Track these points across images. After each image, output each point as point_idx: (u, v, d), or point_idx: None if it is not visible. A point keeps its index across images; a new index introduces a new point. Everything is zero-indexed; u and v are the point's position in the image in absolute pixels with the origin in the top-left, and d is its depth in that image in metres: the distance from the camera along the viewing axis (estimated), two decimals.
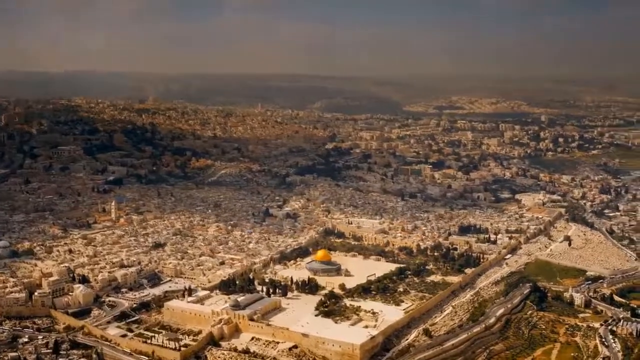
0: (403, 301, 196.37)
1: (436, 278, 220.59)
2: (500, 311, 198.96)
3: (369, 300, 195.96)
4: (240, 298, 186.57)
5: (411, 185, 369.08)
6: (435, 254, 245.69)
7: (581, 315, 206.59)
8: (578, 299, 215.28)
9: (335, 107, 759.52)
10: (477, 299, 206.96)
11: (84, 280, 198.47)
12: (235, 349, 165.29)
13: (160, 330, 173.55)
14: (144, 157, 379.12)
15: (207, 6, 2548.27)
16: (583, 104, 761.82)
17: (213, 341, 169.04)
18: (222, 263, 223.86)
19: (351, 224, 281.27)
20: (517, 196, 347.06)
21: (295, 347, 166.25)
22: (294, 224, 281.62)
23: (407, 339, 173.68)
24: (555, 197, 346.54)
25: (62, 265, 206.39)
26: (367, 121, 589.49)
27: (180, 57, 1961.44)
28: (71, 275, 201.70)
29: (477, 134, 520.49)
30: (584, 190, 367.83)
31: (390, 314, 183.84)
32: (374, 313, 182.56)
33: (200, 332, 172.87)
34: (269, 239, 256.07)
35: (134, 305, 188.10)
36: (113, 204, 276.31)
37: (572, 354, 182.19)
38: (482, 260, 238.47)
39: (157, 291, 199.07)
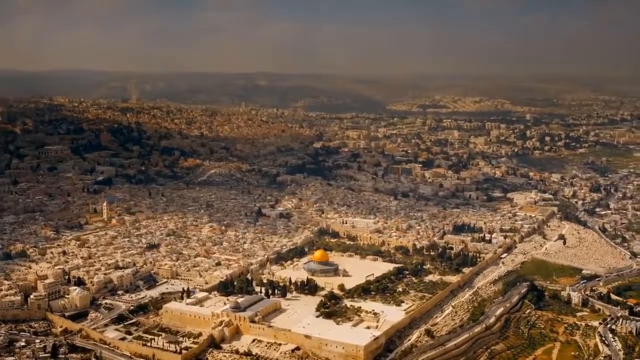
0: (403, 301, 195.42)
1: (434, 278, 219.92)
2: (500, 310, 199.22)
3: (369, 300, 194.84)
4: (240, 299, 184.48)
5: (403, 184, 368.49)
6: (432, 253, 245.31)
7: (579, 314, 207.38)
8: (575, 297, 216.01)
9: (318, 106, 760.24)
10: (476, 299, 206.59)
11: (80, 282, 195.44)
12: (237, 352, 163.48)
13: (160, 333, 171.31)
14: (132, 157, 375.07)
15: (186, 4, 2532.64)
16: (565, 102, 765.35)
17: (214, 343, 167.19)
18: (218, 264, 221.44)
19: (346, 223, 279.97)
20: (509, 195, 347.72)
21: (298, 349, 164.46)
22: (288, 223, 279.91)
23: (409, 340, 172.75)
24: (546, 195, 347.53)
25: (57, 268, 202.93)
26: (353, 120, 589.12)
27: (161, 56, 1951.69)
28: (66, 277, 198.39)
29: (463, 132, 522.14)
30: (575, 188, 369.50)
31: (392, 314, 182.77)
32: (375, 314, 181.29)
33: (200, 334, 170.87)
34: (263, 239, 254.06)
35: (131, 307, 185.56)
36: (105, 204, 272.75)
37: (573, 353, 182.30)
38: (478, 259, 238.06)
39: (154, 293, 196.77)
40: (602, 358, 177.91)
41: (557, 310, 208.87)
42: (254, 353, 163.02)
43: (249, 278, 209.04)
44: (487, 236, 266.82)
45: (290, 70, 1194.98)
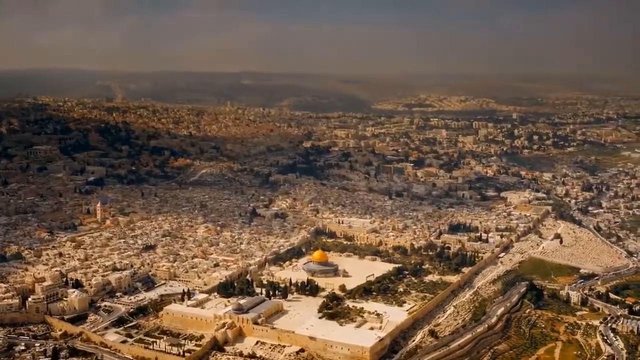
0: (405, 302, 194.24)
1: (434, 277, 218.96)
2: (500, 310, 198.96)
3: (371, 301, 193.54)
4: (242, 301, 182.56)
5: (396, 183, 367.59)
6: (430, 253, 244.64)
7: (578, 313, 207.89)
8: (574, 296, 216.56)
9: (303, 105, 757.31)
10: (477, 298, 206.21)
11: (78, 284, 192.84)
12: (240, 354, 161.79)
13: (161, 336, 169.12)
14: (121, 157, 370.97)
15: (169, 3, 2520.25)
16: (550, 101, 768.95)
17: (217, 346, 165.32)
18: (217, 265, 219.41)
19: (342, 223, 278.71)
20: (502, 194, 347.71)
21: (302, 350, 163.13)
22: (283, 224, 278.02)
23: (413, 340, 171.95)
24: (540, 194, 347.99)
25: (54, 270, 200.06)
26: (340, 119, 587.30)
27: (144, 55, 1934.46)
28: (64, 279, 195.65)
29: (451, 131, 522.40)
30: (567, 187, 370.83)
31: (394, 315, 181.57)
32: (378, 314, 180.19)
33: (202, 336, 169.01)
34: (260, 240, 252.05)
35: (131, 310, 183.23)
36: (98, 205, 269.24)
37: (575, 353, 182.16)
38: (477, 259, 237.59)
39: (153, 295, 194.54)
40: (605, 357, 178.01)
41: (556, 310, 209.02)
42: (258, 355, 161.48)
43: (249, 279, 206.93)
44: (484, 236, 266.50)
45: (274, 70, 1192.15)
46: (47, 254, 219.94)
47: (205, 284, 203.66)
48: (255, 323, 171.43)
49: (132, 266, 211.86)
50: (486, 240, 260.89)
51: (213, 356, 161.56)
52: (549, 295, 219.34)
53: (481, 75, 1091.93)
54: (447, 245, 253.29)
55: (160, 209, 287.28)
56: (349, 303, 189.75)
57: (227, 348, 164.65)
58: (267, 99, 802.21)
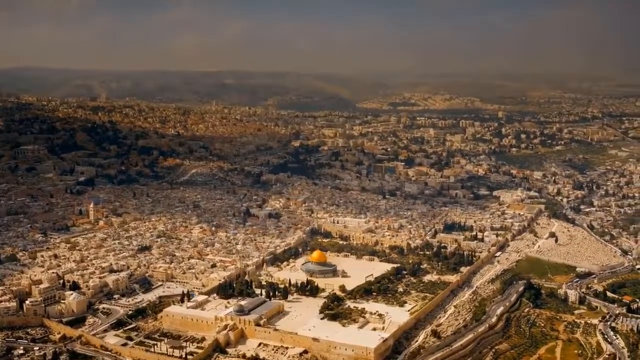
0: (406, 302, 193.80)
1: (432, 277, 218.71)
2: (500, 310, 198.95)
3: (372, 301, 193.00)
4: (243, 302, 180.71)
5: (388, 183, 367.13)
6: (427, 252, 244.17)
7: (577, 311, 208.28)
8: (572, 295, 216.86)
9: (288, 104, 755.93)
10: (477, 298, 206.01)
11: (75, 286, 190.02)
12: (243, 356, 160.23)
13: (162, 338, 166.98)
14: (110, 157, 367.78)
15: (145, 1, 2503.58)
16: (534, 100, 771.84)
17: (219, 348, 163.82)
18: (214, 266, 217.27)
19: (337, 223, 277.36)
20: (495, 193, 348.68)
21: (306, 352, 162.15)
22: (278, 224, 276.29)
23: (416, 341, 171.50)
24: (532, 193, 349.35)
25: (50, 272, 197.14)
26: (327, 118, 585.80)
27: (124, 54, 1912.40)
28: (61, 281, 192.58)
29: (438, 130, 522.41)
30: (558, 186, 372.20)
31: (396, 315, 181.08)
32: (380, 315, 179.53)
33: (203, 338, 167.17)
34: (255, 240, 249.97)
35: (130, 312, 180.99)
36: (91, 206, 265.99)
37: (576, 351, 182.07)
38: (474, 258, 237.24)
39: (151, 296, 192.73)
40: (607, 356, 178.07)
41: (555, 309, 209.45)
42: (261, 357, 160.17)
43: (248, 280, 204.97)
44: (479, 235, 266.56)
45: (255, 68, 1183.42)
46: (42, 256, 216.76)
47: (204, 285, 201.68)
48: (257, 324, 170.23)
49: (128, 267, 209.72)
50: (482, 240, 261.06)
51: (215, 358, 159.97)
52: (547, 294, 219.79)
53: (462, 74, 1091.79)
54: (443, 244, 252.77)
55: (153, 209, 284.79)
56: (350, 304, 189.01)
57: (230, 350, 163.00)
58: (251, 98, 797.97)
